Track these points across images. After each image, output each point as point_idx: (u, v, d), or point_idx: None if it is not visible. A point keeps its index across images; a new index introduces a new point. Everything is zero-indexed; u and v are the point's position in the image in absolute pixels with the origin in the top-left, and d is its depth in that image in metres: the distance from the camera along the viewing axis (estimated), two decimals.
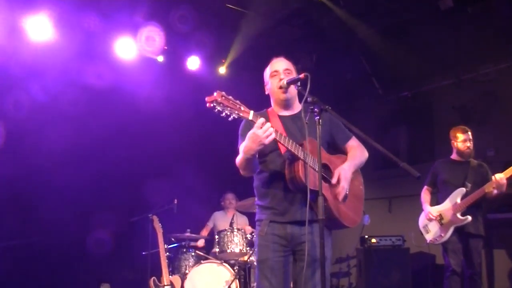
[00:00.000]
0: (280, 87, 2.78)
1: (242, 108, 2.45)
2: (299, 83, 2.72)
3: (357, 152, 2.91)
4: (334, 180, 2.70)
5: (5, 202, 5.51)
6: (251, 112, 2.48)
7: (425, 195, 5.03)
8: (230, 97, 2.42)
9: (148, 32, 5.88)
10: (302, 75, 2.63)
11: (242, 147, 2.62)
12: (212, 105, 2.36)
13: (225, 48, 6.63)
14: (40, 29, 5.34)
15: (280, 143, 2.56)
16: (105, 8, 5.54)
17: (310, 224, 2.62)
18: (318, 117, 2.55)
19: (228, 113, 2.39)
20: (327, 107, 2.60)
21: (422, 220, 4.99)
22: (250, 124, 2.54)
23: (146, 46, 5.98)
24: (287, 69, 2.86)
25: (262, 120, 2.46)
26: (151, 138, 6.50)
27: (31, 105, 5.49)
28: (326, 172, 2.73)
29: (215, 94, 2.37)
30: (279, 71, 2.84)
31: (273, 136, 2.46)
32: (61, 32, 5.48)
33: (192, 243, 5.99)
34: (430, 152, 7.14)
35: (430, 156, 7.13)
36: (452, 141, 4.94)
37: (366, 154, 2.96)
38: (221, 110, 2.37)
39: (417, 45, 6.21)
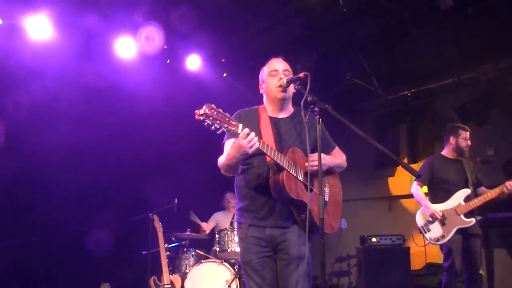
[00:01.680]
0: (280, 86, 2.78)
1: (231, 121, 2.44)
2: (298, 83, 2.73)
3: (338, 157, 3.00)
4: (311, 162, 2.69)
5: (5, 202, 5.51)
6: (240, 125, 2.47)
7: (421, 192, 4.85)
8: (220, 109, 2.40)
9: (148, 31, 5.87)
10: (302, 74, 2.63)
11: (226, 151, 2.66)
12: (201, 118, 2.34)
13: (225, 48, 6.63)
14: (40, 28, 5.34)
15: (265, 153, 2.56)
16: (105, 8, 5.53)
17: (287, 228, 2.71)
18: (318, 116, 2.56)
19: (218, 127, 2.38)
20: (327, 106, 2.60)
21: (421, 218, 4.80)
22: (239, 119, 2.55)
23: (146, 45, 5.97)
24: (286, 70, 2.85)
25: (246, 130, 2.46)
26: (151, 138, 6.50)
27: (31, 105, 5.49)
28: (309, 181, 2.70)
29: (204, 107, 2.34)
30: (278, 71, 2.84)
31: (256, 145, 2.47)
32: (61, 32, 5.47)
33: (196, 235, 5.99)
34: (430, 151, 7.14)
35: (430, 155, 7.13)
36: (452, 137, 4.86)
37: (345, 162, 3.03)
38: (210, 123, 2.35)
39: (417, 44, 6.21)
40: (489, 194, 4.64)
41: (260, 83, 2.96)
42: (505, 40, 5.81)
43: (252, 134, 2.46)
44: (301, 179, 2.66)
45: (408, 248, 6.00)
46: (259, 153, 2.63)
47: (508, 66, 6.16)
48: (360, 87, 7.05)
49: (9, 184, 5.49)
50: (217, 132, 2.42)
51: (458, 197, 4.67)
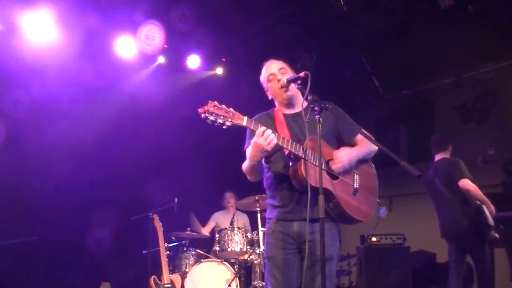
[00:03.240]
0: (282, 87, 2.81)
1: (235, 115, 2.47)
2: (299, 82, 2.73)
3: (364, 143, 2.91)
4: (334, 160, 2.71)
5: (5, 201, 5.51)
6: (245, 118, 2.50)
7: None
8: (223, 105, 2.44)
9: (148, 31, 5.87)
10: (302, 74, 2.65)
11: (248, 153, 2.70)
12: (204, 115, 2.39)
13: (225, 47, 6.63)
14: (40, 28, 5.33)
15: (283, 146, 2.59)
16: (105, 7, 5.54)
17: (316, 222, 2.61)
18: (318, 116, 2.55)
19: (222, 122, 2.41)
20: (327, 105, 2.60)
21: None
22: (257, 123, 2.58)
23: (146, 44, 5.97)
24: (281, 68, 2.88)
25: (262, 128, 2.50)
26: (152, 137, 6.50)
27: (31, 104, 5.49)
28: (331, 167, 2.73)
29: (208, 103, 2.40)
30: (275, 73, 2.87)
31: (274, 141, 2.51)
32: (61, 31, 5.47)
33: (196, 234, 6.00)
34: (431, 151, 7.13)
35: (431, 154, 7.12)
36: (450, 144, 5.15)
37: (374, 147, 2.91)
38: (214, 120, 2.39)
39: (417, 43, 6.21)
40: None
41: (265, 91, 3.00)
42: (505, 39, 5.81)
43: (268, 131, 2.50)
44: (323, 167, 2.63)
45: (408, 247, 6.00)
46: (277, 150, 2.67)
47: (508, 65, 6.16)
48: (360, 87, 7.05)
49: (9, 184, 5.48)
50: (223, 127, 2.44)
51: None
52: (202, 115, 2.40)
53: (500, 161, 6.14)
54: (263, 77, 2.96)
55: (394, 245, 5.95)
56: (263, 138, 2.49)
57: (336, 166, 2.71)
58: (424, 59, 6.48)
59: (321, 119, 2.55)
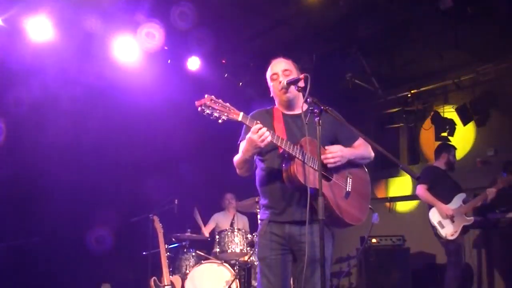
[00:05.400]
0: (282, 88, 2.81)
1: (232, 110, 2.49)
2: (298, 84, 2.73)
3: (361, 147, 2.93)
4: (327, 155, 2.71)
5: (5, 201, 5.51)
6: (241, 113, 2.52)
7: (429, 193, 5.27)
8: (220, 100, 2.47)
9: (148, 31, 5.87)
10: (301, 76, 2.67)
11: (242, 147, 2.71)
12: (201, 108, 2.42)
13: (225, 48, 6.63)
14: (40, 28, 5.34)
15: (277, 145, 2.59)
16: (105, 8, 5.53)
17: (310, 224, 2.62)
18: (318, 118, 2.56)
19: (217, 116, 2.44)
20: (327, 107, 2.61)
21: (436, 216, 5.18)
22: (254, 119, 2.59)
23: (146, 44, 5.96)
24: (286, 70, 2.87)
25: (258, 126, 2.51)
26: (152, 138, 6.51)
27: (31, 104, 5.50)
28: (326, 171, 2.73)
29: (205, 97, 2.43)
30: (278, 73, 2.87)
31: (269, 139, 2.52)
32: (61, 32, 5.47)
33: (196, 236, 6.00)
34: (430, 152, 7.12)
35: (430, 156, 7.13)
36: (444, 154, 5.51)
37: (371, 153, 2.96)
38: (210, 113, 2.42)
39: (417, 44, 6.20)
40: (483, 196, 5.23)
41: (269, 87, 3.00)
42: (505, 40, 5.81)
43: (264, 129, 2.51)
44: (316, 168, 2.63)
45: (408, 249, 6.00)
46: (272, 148, 2.69)
47: (508, 66, 6.16)
48: (360, 88, 7.04)
49: (9, 183, 5.49)
50: (219, 121, 2.47)
51: (459, 200, 5.23)
52: (199, 108, 2.43)
53: (500, 162, 6.13)
54: (267, 73, 2.96)
55: (394, 246, 5.96)
56: (258, 134, 2.50)
57: (328, 160, 2.69)
58: (423, 60, 6.49)
59: (320, 121, 2.55)
